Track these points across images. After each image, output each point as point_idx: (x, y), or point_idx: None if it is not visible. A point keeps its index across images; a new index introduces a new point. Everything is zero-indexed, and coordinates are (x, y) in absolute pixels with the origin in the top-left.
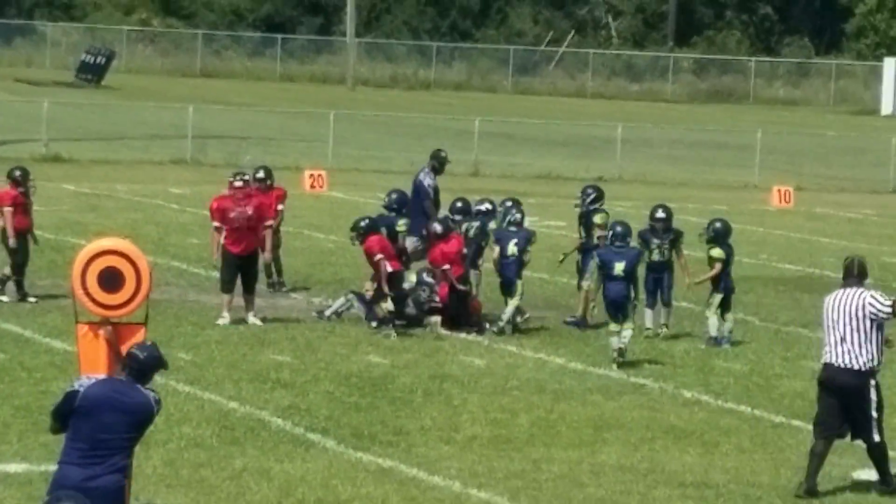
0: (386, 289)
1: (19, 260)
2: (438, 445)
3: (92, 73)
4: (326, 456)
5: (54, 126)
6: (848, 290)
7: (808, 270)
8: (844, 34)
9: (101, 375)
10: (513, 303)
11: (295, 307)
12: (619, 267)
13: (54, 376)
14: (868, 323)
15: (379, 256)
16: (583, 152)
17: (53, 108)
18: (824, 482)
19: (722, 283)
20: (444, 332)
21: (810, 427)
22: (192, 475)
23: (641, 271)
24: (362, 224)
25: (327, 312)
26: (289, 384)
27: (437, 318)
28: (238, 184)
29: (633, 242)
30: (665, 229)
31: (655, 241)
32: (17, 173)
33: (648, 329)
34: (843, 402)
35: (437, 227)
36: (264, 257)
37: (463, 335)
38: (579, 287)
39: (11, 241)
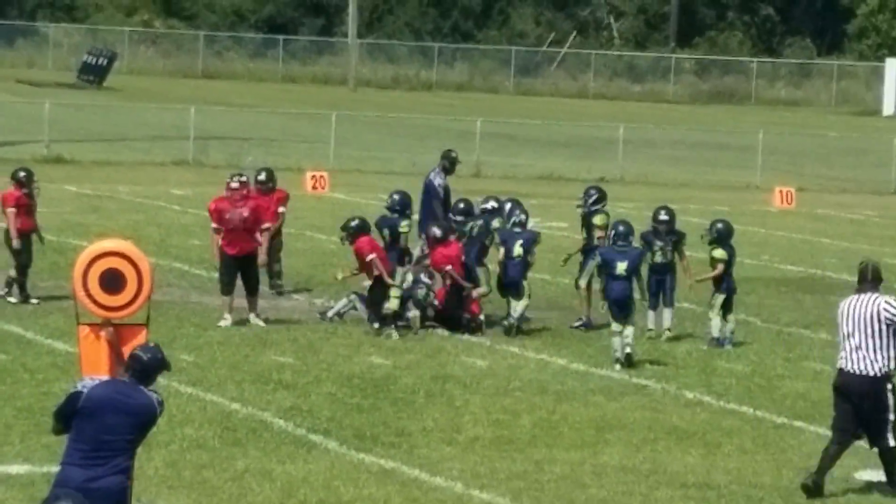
0: (390, 280)
1: (23, 261)
2: (440, 446)
3: (94, 74)
4: (328, 457)
5: (56, 127)
6: (862, 295)
7: (809, 271)
8: (846, 35)
9: (104, 377)
10: (522, 302)
11: (297, 308)
12: (621, 266)
13: (56, 377)
14: (884, 328)
15: (371, 256)
16: (584, 153)
17: (55, 109)
18: (826, 482)
19: (724, 283)
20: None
21: (812, 428)
22: (195, 476)
23: (644, 272)
24: (353, 224)
25: (329, 313)
26: (291, 385)
27: (415, 313)
28: (234, 185)
29: (636, 243)
30: (668, 231)
31: (658, 242)
32: (22, 174)
33: (651, 330)
34: (859, 407)
35: (437, 231)
36: (260, 259)
37: (465, 336)
38: (577, 286)
39: (15, 243)
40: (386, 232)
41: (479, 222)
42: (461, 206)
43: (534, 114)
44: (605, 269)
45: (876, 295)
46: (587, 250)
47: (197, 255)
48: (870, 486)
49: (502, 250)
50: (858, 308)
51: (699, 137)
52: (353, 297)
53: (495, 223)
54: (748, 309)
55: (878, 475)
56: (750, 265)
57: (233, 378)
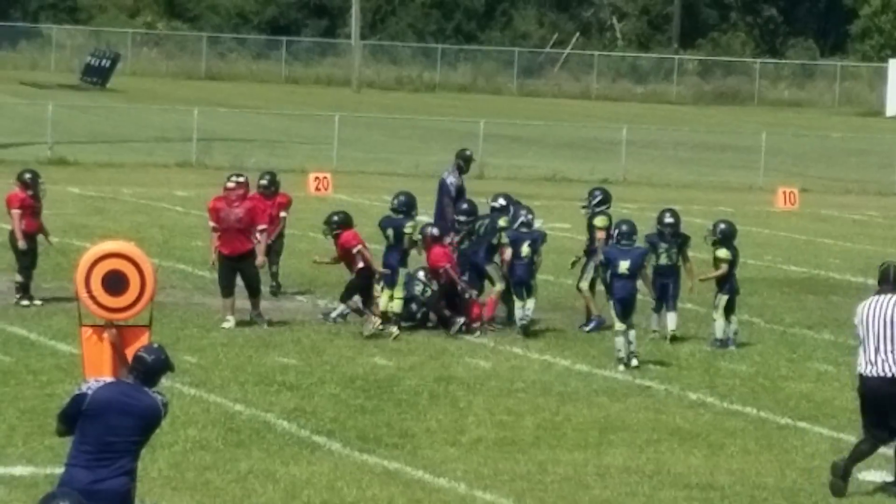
0: (379, 268)
1: (26, 263)
2: (444, 447)
3: (97, 75)
4: (332, 458)
5: (59, 129)
6: (882, 296)
7: (813, 272)
8: (849, 36)
9: (108, 378)
10: (531, 301)
11: (300, 309)
12: (623, 265)
13: (60, 379)
14: None
15: (358, 248)
16: (588, 154)
17: (58, 110)
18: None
19: (727, 284)
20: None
21: (816, 429)
22: (198, 478)
23: (649, 272)
24: (335, 218)
25: (332, 315)
26: (294, 386)
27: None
28: (230, 185)
29: (639, 243)
30: (673, 233)
31: (663, 244)
32: (27, 176)
33: (655, 332)
34: (884, 410)
35: (434, 231)
36: (258, 261)
37: (468, 338)
38: (578, 289)
39: (21, 244)
40: (390, 232)
41: (486, 221)
42: (464, 206)
43: (537, 115)
44: (609, 268)
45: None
46: (590, 252)
47: (200, 257)
48: (873, 487)
49: (509, 251)
50: (879, 309)
51: (702, 138)
52: (356, 298)
53: (501, 222)
54: (751, 310)
55: (882, 476)
56: (753, 266)
57: (236, 379)
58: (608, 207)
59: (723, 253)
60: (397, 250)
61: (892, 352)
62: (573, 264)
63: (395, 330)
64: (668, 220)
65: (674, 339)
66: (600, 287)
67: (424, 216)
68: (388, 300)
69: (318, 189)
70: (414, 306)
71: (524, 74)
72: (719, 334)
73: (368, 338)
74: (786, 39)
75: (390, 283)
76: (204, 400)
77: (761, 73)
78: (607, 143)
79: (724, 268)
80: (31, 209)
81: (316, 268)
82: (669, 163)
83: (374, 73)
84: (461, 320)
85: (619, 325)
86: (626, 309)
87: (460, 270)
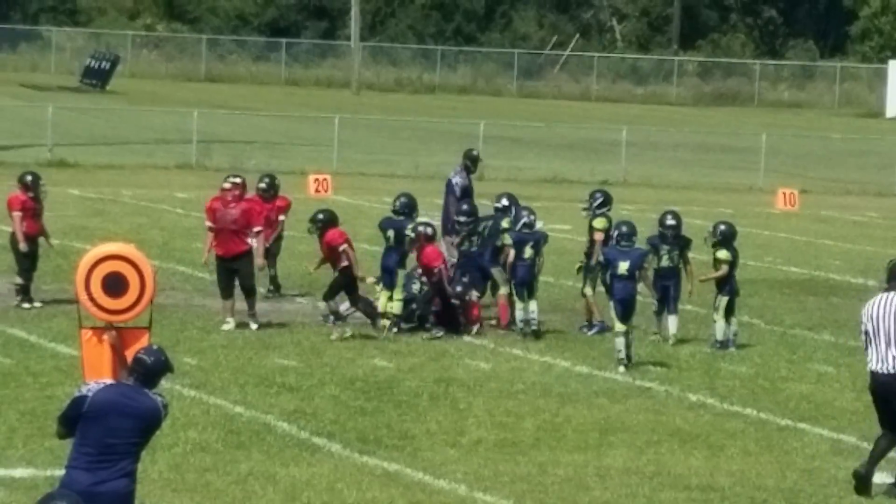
0: (360, 272)
1: (27, 265)
2: (444, 449)
3: (97, 77)
4: (332, 460)
5: (59, 131)
6: (891, 293)
7: (813, 273)
8: (849, 37)
9: (107, 380)
10: (534, 304)
11: (300, 311)
12: (623, 266)
13: (60, 381)
14: None
15: (343, 247)
16: (588, 156)
17: (58, 113)
18: (830, 485)
19: (727, 285)
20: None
21: (816, 430)
22: (198, 480)
23: (650, 275)
24: (320, 216)
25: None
26: (294, 388)
27: (385, 322)
28: (226, 185)
29: (641, 244)
30: (675, 236)
31: (665, 246)
32: (28, 178)
33: (656, 334)
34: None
35: (429, 230)
36: (258, 263)
37: (468, 339)
38: (583, 294)
39: (22, 246)
40: (390, 233)
41: (490, 223)
42: (464, 206)
43: (537, 116)
44: (608, 268)
45: None
46: (589, 255)
47: (200, 258)
48: (874, 489)
49: (512, 252)
50: (889, 306)
51: (702, 140)
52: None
53: (504, 224)
54: (751, 311)
55: (882, 478)
56: (753, 267)
57: (236, 381)
58: (609, 209)
59: (723, 254)
60: (397, 252)
61: None
62: (579, 269)
63: (385, 322)
64: (670, 221)
65: (675, 342)
66: (600, 288)
67: (425, 217)
68: (388, 301)
69: (318, 191)
70: (414, 306)
71: (524, 76)
72: (720, 336)
73: (368, 339)
74: (785, 41)
75: (389, 284)
76: (204, 402)
77: (761, 75)
78: (607, 145)
79: (724, 269)
80: (32, 211)
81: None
82: (669, 164)
83: (373, 74)
84: (440, 333)
85: (619, 327)
86: (626, 310)
87: (461, 271)
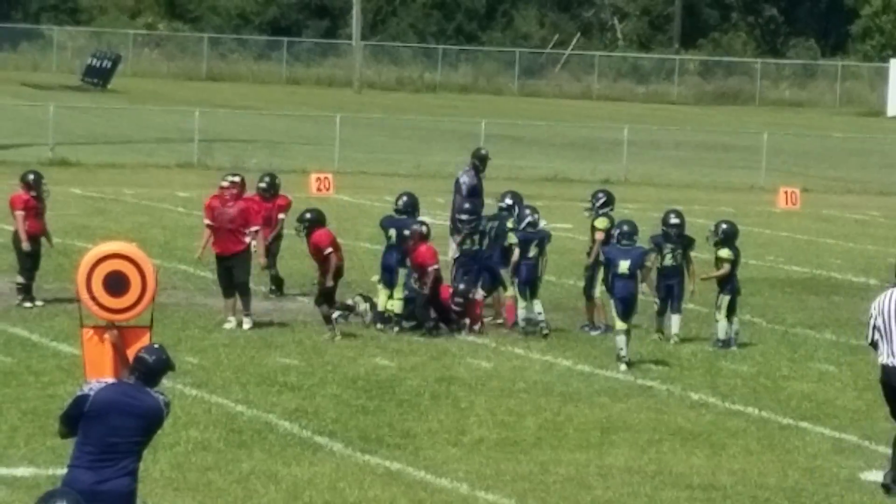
0: (331, 282)
1: (29, 264)
2: (446, 448)
3: (98, 76)
4: (334, 459)
5: (60, 130)
6: None
7: (814, 272)
8: (850, 36)
9: (109, 379)
10: (538, 304)
11: (302, 310)
12: (623, 265)
13: (61, 380)
14: None
15: (328, 251)
16: (589, 154)
17: (59, 111)
18: (832, 483)
19: (729, 284)
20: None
21: (818, 429)
22: (200, 479)
23: (653, 274)
24: (308, 216)
25: (334, 315)
26: (296, 387)
27: (365, 306)
28: (224, 183)
29: (644, 244)
30: (678, 234)
31: (668, 245)
32: (31, 177)
33: (659, 332)
34: None
35: (423, 229)
36: (261, 262)
37: (471, 338)
38: (591, 297)
39: (25, 245)
40: (392, 232)
41: (496, 223)
42: (466, 205)
43: (538, 115)
44: (609, 267)
45: None
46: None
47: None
48: (875, 488)
49: (517, 251)
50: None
51: (703, 139)
52: (357, 298)
53: (509, 224)
54: (753, 310)
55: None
56: (755, 266)
57: (238, 380)
58: (611, 209)
59: (725, 253)
60: (398, 250)
61: None
62: (587, 269)
63: (337, 336)
64: (674, 220)
65: (677, 342)
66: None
67: (427, 217)
68: (388, 300)
69: (319, 190)
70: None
71: (525, 75)
72: (721, 335)
73: (370, 338)
74: (787, 39)
75: (390, 283)
76: (206, 401)
77: (762, 74)
78: (608, 144)
79: (726, 268)
80: (35, 210)
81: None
82: (671, 163)
83: (375, 73)
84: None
85: (620, 325)
86: (627, 309)
87: (462, 270)
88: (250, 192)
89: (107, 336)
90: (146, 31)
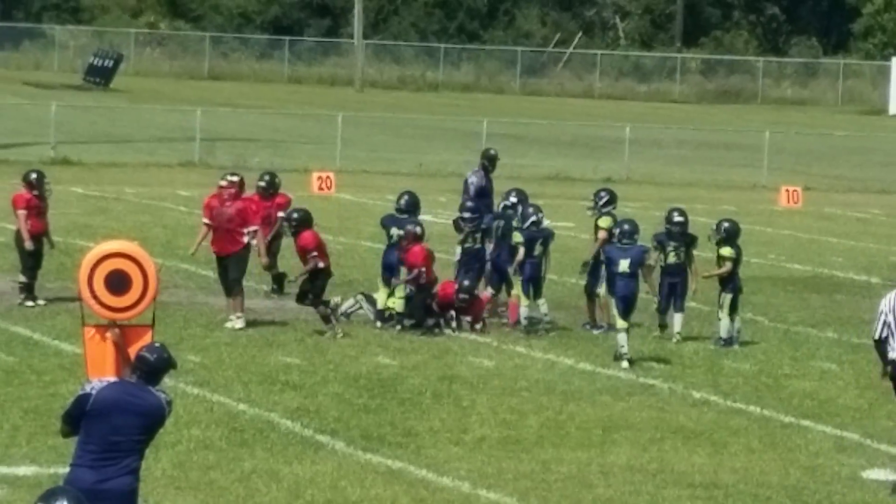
0: (305, 276)
1: (31, 263)
2: (447, 447)
3: (100, 75)
4: (335, 458)
5: (62, 129)
6: None
7: (816, 270)
8: (852, 34)
9: (111, 378)
10: (544, 304)
11: (304, 309)
12: (623, 264)
13: (63, 379)
14: None
15: (314, 253)
16: (591, 153)
17: (61, 110)
18: (833, 482)
19: (731, 283)
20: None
21: (819, 427)
22: (201, 477)
23: (656, 274)
24: (295, 216)
25: (340, 310)
26: (298, 386)
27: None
28: (223, 183)
29: (647, 243)
30: (682, 233)
31: (672, 243)
32: (33, 176)
33: (663, 327)
34: None
35: (417, 229)
36: (263, 262)
37: (472, 337)
38: (598, 296)
39: (28, 244)
40: (393, 231)
41: (502, 222)
42: (469, 204)
43: (540, 114)
44: (609, 266)
45: None
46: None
47: (204, 257)
48: (877, 486)
49: (522, 250)
50: None
51: (705, 137)
52: (359, 297)
53: (515, 222)
54: (755, 308)
55: (886, 475)
56: (756, 264)
57: (240, 379)
58: (614, 207)
59: (727, 251)
60: (399, 249)
61: None
62: (585, 266)
63: (338, 332)
64: (678, 218)
65: (679, 341)
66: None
67: (429, 216)
68: (388, 298)
69: (321, 188)
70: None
71: (527, 73)
72: (724, 334)
73: (372, 336)
74: (788, 38)
75: (390, 282)
76: (207, 399)
77: (764, 72)
78: (610, 142)
79: (728, 266)
80: (37, 210)
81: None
82: (673, 161)
83: (376, 72)
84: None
85: (621, 324)
86: (627, 307)
87: (464, 269)
88: (250, 192)
89: (108, 335)
90: (148, 30)
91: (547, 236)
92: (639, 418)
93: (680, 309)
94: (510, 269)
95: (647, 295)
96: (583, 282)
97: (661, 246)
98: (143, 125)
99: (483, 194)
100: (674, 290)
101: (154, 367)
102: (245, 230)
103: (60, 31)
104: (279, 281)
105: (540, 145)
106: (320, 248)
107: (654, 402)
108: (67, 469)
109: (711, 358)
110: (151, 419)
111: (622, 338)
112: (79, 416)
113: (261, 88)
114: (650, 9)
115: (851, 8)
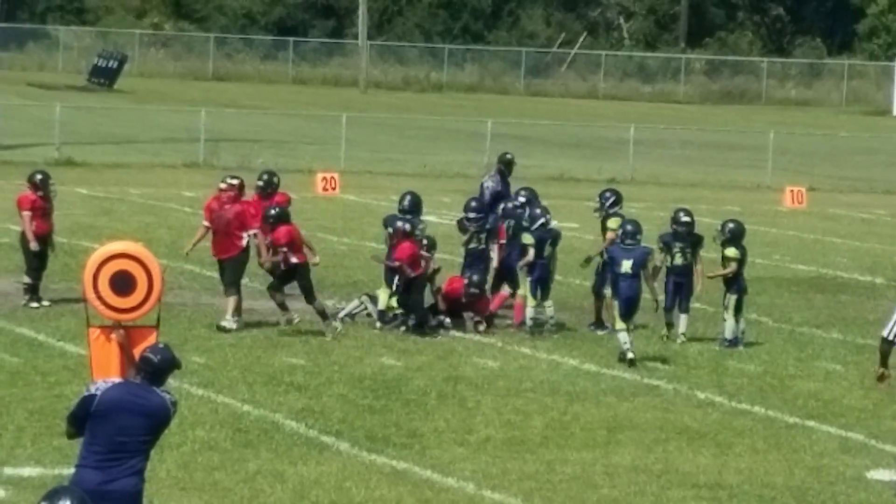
0: (267, 261)
1: (36, 264)
2: (452, 447)
3: (104, 76)
4: (340, 458)
5: (67, 130)
6: None
7: (821, 271)
8: (856, 35)
9: (115, 379)
10: (551, 306)
11: (308, 310)
12: (626, 265)
13: (68, 380)
14: None
15: (284, 249)
16: (595, 154)
17: (66, 111)
18: (838, 482)
19: (736, 284)
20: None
21: (824, 427)
22: (206, 478)
23: (662, 273)
24: (272, 212)
25: (340, 315)
26: (302, 387)
27: (338, 324)
28: (222, 185)
29: (650, 244)
30: (688, 233)
31: (678, 244)
32: (38, 177)
33: (669, 325)
34: None
35: (406, 226)
36: (265, 263)
37: (477, 337)
38: (602, 295)
39: (33, 245)
40: (391, 230)
41: (512, 222)
42: (473, 204)
43: (544, 114)
44: (612, 266)
45: None
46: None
47: (208, 258)
48: (882, 487)
49: (532, 251)
50: None
51: (710, 138)
52: (363, 298)
53: (524, 222)
54: (759, 309)
55: (891, 475)
56: (761, 265)
57: (244, 380)
58: (620, 207)
59: (731, 251)
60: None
61: None
62: (588, 261)
63: (338, 325)
64: (684, 219)
65: (684, 340)
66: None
67: (433, 216)
68: (389, 298)
69: (325, 189)
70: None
71: (531, 74)
72: (729, 335)
73: (377, 337)
74: (793, 38)
75: (391, 281)
76: (212, 400)
77: (768, 73)
78: (615, 143)
79: (732, 266)
80: (42, 210)
81: (323, 268)
82: (677, 162)
83: (381, 73)
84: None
85: (620, 325)
86: (629, 308)
87: (469, 270)
88: (251, 192)
89: (113, 336)
90: (152, 30)
91: (555, 237)
92: (643, 419)
93: (685, 310)
94: (521, 271)
95: (648, 296)
96: (587, 282)
97: (667, 247)
98: (147, 126)
99: (499, 199)
100: (680, 288)
101: (158, 368)
102: (244, 233)
103: (65, 32)
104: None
105: (544, 146)
106: (294, 243)
107: (659, 402)
108: (72, 470)
109: (716, 359)
110: (156, 420)
111: (623, 336)
112: (84, 418)
113: (265, 89)
114: (654, 9)
115: (856, 8)
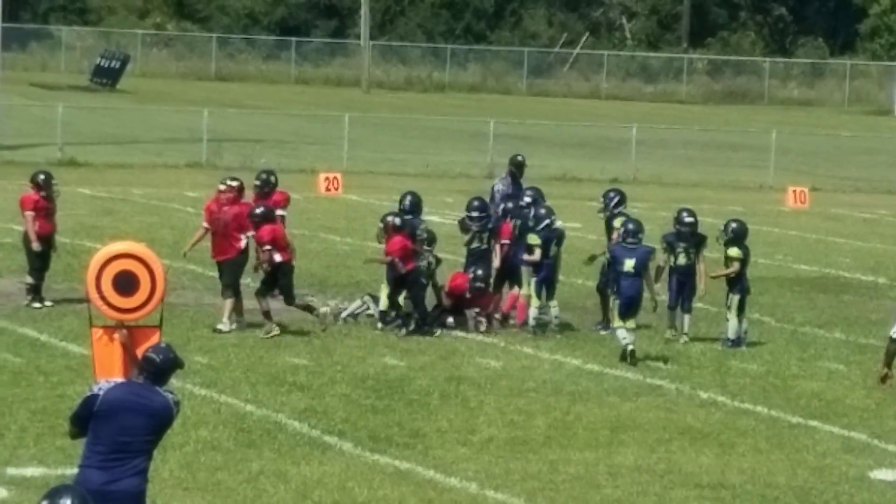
0: (263, 270)
1: (38, 265)
2: (455, 447)
3: (107, 76)
4: (343, 458)
5: (69, 130)
6: None
7: (823, 271)
8: (858, 35)
9: (118, 379)
10: (555, 306)
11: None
12: (629, 264)
13: (71, 380)
14: None
15: (268, 248)
16: (598, 154)
17: (68, 112)
18: (841, 482)
19: (739, 284)
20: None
21: (827, 427)
22: (209, 478)
23: (665, 273)
24: (257, 211)
25: (343, 315)
26: (305, 387)
27: (325, 310)
28: (221, 187)
29: (653, 243)
30: (692, 233)
31: (681, 244)
32: (41, 177)
33: (672, 328)
34: None
35: (397, 220)
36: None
37: (479, 337)
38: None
39: (35, 245)
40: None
41: (519, 221)
42: (476, 203)
43: (546, 114)
44: (614, 265)
45: None
46: None
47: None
48: (885, 486)
49: (538, 252)
50: None
51: (712, 138)
52: (366, 298)
53: (530, 222)
54: (762, 309)
55: (894, 475)
56: (764, 265)
57: (247, 380)
58: (625, 207)
59: (734, 251)
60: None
61: None
62: (592, 259)
63: (325, 310)
64: (688, 219)
65: (687, 340)
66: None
67: (435, 216)
68: (388, 297)
69: (328, 189)
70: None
71: (534, 74)
72: (731, 335)
73: (379, 337)
74: (795, 38)
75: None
76: (215, 401)
77: (771, 73)
78: (617, 143)
79: (735, 266)
80: (45, 211)
81: (326, 268)
82: (679, 162)
83: (383, 73)
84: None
85: (618, 322)
86: (629, 308)
87: (472, 270)
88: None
89: (116, 336)
90: (155, 31)
91: (559, 237)
92: (646, 419)
93: (688, 310)
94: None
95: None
96: (590, 282)
97: (670, 247)
98: (150, 126)
99: (510, 201)
100: (683, 288)
101: (161, 368)
102: (242, 235)
103: (67, 33)
104: None
105: (546, 146)
106: (277, 242)
107: (662, 402)
108: (75, 470)
109: (719, 358)
110: (159, 420)
111: (622, 332)
112: (87, 418)
113: (268, 89)
114: (657, 9)
115: (858, 8)
